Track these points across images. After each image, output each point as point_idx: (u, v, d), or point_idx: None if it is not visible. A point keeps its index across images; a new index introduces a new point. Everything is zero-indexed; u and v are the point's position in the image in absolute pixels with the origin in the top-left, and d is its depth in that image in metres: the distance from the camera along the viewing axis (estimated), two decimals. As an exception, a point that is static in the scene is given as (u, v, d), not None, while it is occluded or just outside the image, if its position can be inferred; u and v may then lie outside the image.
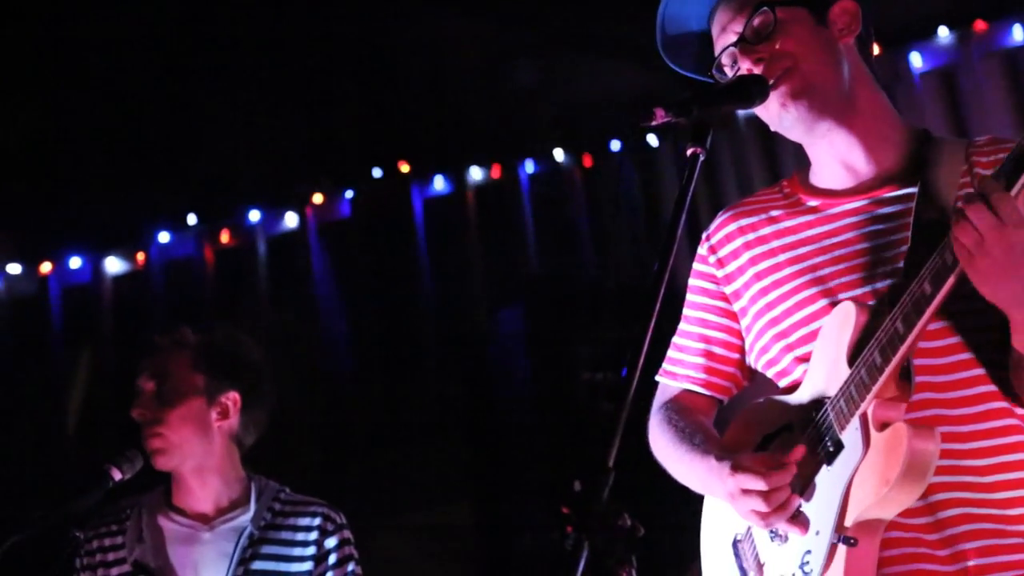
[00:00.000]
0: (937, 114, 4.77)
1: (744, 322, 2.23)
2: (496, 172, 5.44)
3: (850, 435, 1.93)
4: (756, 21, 2.10)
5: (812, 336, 2.07)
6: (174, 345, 3.13)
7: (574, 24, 4.85)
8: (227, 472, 3.12)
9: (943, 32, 4.81)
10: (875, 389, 1.89)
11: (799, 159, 2.28)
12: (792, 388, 2.11)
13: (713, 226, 2.31)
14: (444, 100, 5.17)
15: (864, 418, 1.92)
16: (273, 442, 3.26)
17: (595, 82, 5.04)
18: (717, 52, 2.16)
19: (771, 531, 2.05)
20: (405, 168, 5.47)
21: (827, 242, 2.12)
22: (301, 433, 4.92)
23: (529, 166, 5.40)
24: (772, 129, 2.17)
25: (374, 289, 5.53)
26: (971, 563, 1.94)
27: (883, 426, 1.90)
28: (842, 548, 1.91)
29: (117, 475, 2.96)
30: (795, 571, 1.98)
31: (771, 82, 2.06)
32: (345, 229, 5.58)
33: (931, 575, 1.94)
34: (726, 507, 2.11)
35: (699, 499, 2.28)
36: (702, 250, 2.31)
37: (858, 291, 2.04)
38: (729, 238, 2.26)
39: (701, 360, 2.28)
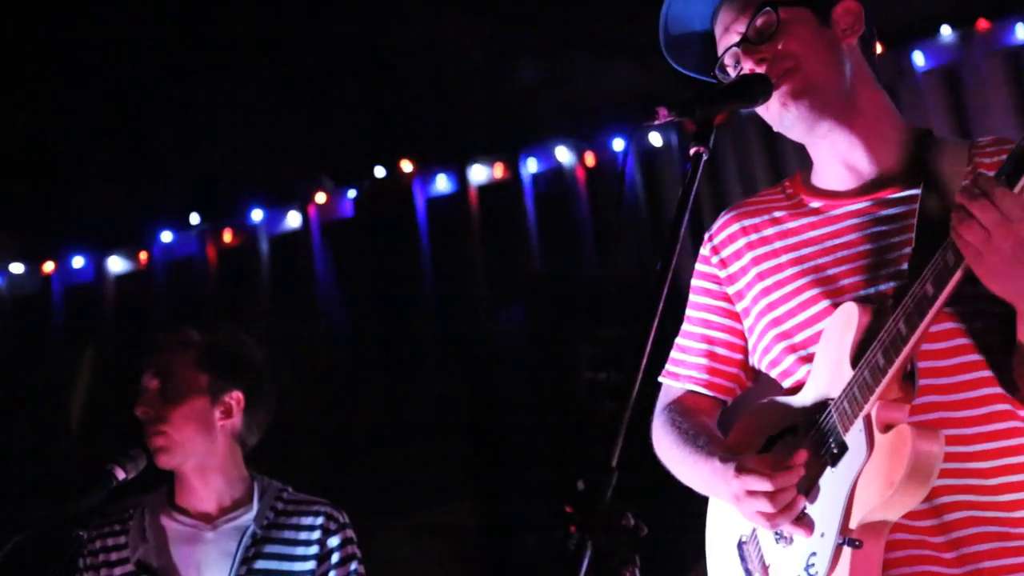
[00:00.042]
0: (940, 113, 4.76)
1: (747, 323, 2.23)
2: (499, 171, 5.44)
3: (854, 437, 1.93)
4: (759, 21, 2.10)
5: (815, 337, 2.07)
6: (178, 344, 3.14)
7: (574, 24, 4.85)
8: (230, 471, 3.12)
9: (946, 31, 4.80)
10: (878, 391, 1.89)
11: (802, 159, 2.27)
12: (796, 389, 2.11)
13: (716, 226, 2.31)
14: (447, 99, 5.17)
15: (868, 420, 1.92)
16: (274, 441, 3.26)
17: (596, 81, 5.04)
18: (720, 52, 2.16)
19: (776, 533, 2.05)
20: (408, 167, 5.46)
21: (830, 243, 2.12)
22: (301, 432, 4.92)
23: (532, 165, 5.40)
24: (774, 129, 2.17)
25: (376, 288, 5.53)
26: (985, 565, 1.93)
27: (887, 428, 1.90)
28: (847, 550, 1.91)
29: (121, 474, 2.97)
30: (800, 573, 1.98)
31: (773, 81, 2.06)
32: (348, 228, 5.57)
33: (938, 577, 1.95)
34: (731, 509, 2.11)
35: (702, 499, 2.28)
36: (704, 250, 2.31)
37: (861, 292, 2.04)
38: (732, 238, 2.26)
39: (704, 361, 2.28)
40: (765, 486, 1.96)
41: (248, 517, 3.07)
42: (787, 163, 4.67)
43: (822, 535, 1.95)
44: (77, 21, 4.53)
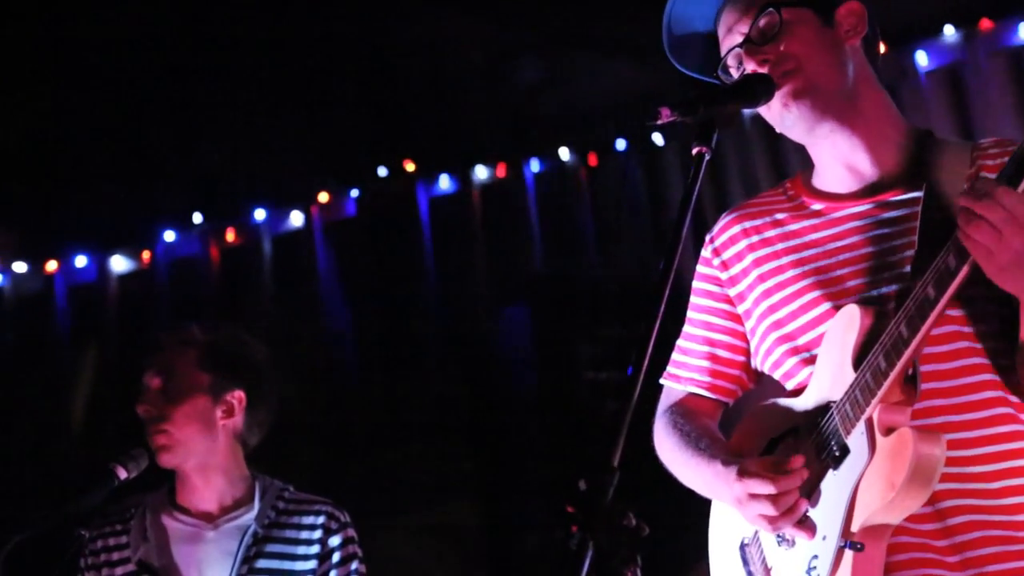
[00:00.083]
0: (942, 113, 4.76)
1: (748, 325, 2.22)
2: (501, 171, 5.44)
3: (856, 440, 1.93)
4: (762, 22, 2.10)
5: (817, 340, 2.06)
6: (181, 343, 3.14)
7: (575, 24, 4.85)
8: (231, 471, 3.12)
9: (949, 31, 4.80)
10: (880, 393, 1.89)
11: (804, 159, 2.27)
12: (797, 391, 2.11)
13: (717, 228, 2.30)
14: (448, 99, 5.17)
15: (870, 423, 1.91)
16: (274, 441, 3.26)
17: (597, 81, 5.04)
18: (723, 53, 2.16)
19: (778, 535, 2.05)
20: (411, 167, 5.46)
21: (831, 246, 2.11)
22: (302, 432, 4.92)
23: (534, 165, 5.40)
24: (776, 130, 2.17)
25: (377, 288, 5.53)
26: (988, 569, 1.93)
27: (889, 431, 1.90)
28: (849, 553, 1.91)
29: (123, 474, 2.97)
30: (802, 576, 1.99)
31: (775, 82, 2.06)
32: (350, 228, 5.57)
33: (941, 580, 1.95)
34: (733, 511, 2.10)
35: (703, 499, 2.28)
36: (706, 252, 2.30)
37: (863, 295, 2.03)
38: (733, 240, 2.26)
39: (705, 363, 2.28)
40: (768, 489, 1.96)
41: (249, 516, 3.07)
42: (789, 163, 4.67)
43: (824, 538, 1.95)
44: (77, 21, 4.53)
